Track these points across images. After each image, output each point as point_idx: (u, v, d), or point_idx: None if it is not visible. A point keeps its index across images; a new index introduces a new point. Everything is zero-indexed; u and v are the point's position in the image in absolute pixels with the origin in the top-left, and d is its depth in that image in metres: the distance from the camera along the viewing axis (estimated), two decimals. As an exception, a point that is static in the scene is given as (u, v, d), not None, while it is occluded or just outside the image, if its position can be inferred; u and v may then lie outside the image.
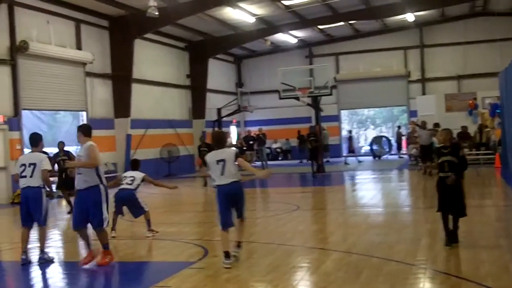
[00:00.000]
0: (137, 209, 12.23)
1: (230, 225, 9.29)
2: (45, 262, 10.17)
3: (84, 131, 10.08)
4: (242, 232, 9.62)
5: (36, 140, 10.58)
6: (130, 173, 12.45)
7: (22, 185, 10.27)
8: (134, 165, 12.86)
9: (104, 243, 9.84)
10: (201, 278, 8.53)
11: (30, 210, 10.26)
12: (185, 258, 10.03)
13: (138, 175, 12.34)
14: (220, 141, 9.64)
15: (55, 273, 9.75)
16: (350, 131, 36.44)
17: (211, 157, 9.39)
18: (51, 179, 11.16)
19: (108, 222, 9.86)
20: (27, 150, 21.40)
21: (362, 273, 8.33)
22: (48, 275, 9.60)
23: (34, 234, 10.72)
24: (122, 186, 12.17)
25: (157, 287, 8.22)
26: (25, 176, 10.20)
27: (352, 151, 35.00)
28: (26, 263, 10.22)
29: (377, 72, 37.82)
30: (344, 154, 35.51)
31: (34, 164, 10.16)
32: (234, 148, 9.98)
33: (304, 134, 36.01)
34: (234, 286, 8.03)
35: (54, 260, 10.33)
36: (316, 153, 25.69)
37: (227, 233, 9.23)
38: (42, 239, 10.39)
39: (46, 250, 10.45)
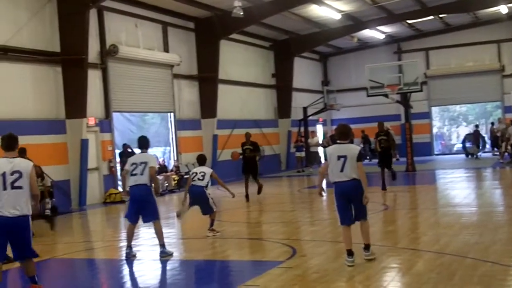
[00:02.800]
0: (206, 207, 12.31)
1: (349, 222, 8.98)
2: (166, 256, 10.39)
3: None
4: (366, 234, 9.06)
5: (144, 143, 10.99)
6: (200, 169, 12.50)
7: (132, 183, 10.56)
8: (202, 160, 12.89)
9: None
10: (289, 277, 8.41)
11: (139, 207, 10.55)
12: (273, 258, 9.97)
13: (208, 170, 12.45)
14: (343, 133, 9.17)
15: (146, 270, 9.85)
16: (477, 125, 34.95)
17: (333, 151, 9.03)
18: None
19: None
20: (118, 151, 22.13)
21: (455, 274, 8.02)
22: (140, 272, 9.74)
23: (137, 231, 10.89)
24: (193, 183, 12.26)
25: (245, 286, 8.17)
26: (135, 174, 10.50)
27: (477, 146, 33.47)
28: (130, 258, 10.51)
29: (469, 67, 36.62)
30: (469, 150, 33.99)
31: (146, 163, 10.49)
32: (357, 146, 9.58)
33: (367, 134, 35.17)
34: (323, 286, 7.86)
35: (173, 255, 10.54)
36: (387, 157, 19.51)
37: (347, 230, 8.96)
38: (160, 234, 10.56)
39: (166, 244, 10.62)
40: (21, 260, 7.83)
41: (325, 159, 9.07)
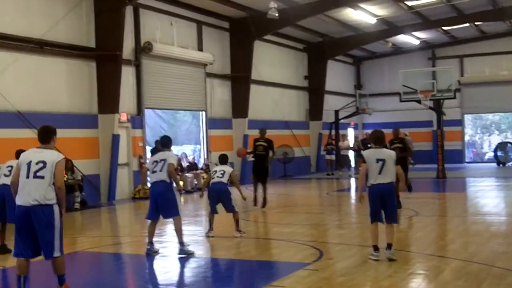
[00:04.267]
0: (228, 205, 12.33)
1: (380, 220, 9.48)
2: (185, 254, 10.39)
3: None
4: (391, 234, 9.49)
5: (166, 142, 11.13)
6: (220, 167, 12.61)
7: (152, 180, 10.62)
8: (223, 159, 13.06)
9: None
10: (315, 280, 8.39)
11: (158, 204, 10.56)
12: (300, 259, 9.96)
13: (228, 169, 12.53)
14: (379, 139, 9.72)
15: (171, 267, 9.92)
16: None
17: (371, 154, 9.50)
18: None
19: None
20: (149, 148, 22.27)
21: (483, 283, 7.94)
22: (165, 269, 9.80)
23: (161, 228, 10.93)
24: (214, 180, 12.35)
25: (271, 287, 8.17)
26: (155, 171, 10.57)
27: None
28: (151, 254, 10.56)
29: (504, 75, 36.23)
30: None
31: (165, 160, 10.55)
32: (393, 151, 9.96)
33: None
34: (349, 290, 7.85)
35: (194, 254, 10.50)
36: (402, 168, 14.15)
37: (376, 227, 9.50)
38: (179, 231, 10.55)
39: (185, 242, 10.61)
40: (47, 258, 7.65)
41: (364, 162, 9.47)
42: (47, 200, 7.48)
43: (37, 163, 7.51)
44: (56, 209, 7.56)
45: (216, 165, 13.36)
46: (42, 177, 7.46)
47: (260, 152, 16.74)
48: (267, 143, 16.89)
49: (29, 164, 7.54)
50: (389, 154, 9.56)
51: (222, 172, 12.39)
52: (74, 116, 19.37)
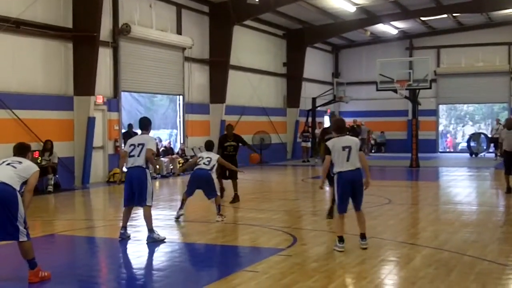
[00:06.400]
0: (211, 191, 12.38)
1: (346, 210, 9.51)
2: (153, 241, 10.26)
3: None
4: (364, 223, 9.58)
5: (146, 124, 10.87)
6: (206, 154, 12.69)
7: (129, 165, 10.46)
8: (209, 146, 13.17)
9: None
10: (289, 265, 8.48)
11: (134, 189, 10.37)
12: (274, 245, 10.02)
13: (214, 156, 12.62)
14: (340, 128, 9.70)
15: (146, 251, 9.92)
16: None
17: (336, 143, 9.45)
18: None
19: None
20: (124, 131, 22.13)
21: (452, 270, 8.08)
22: (139, 253, 9.81)
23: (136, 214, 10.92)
24: (199, 166, 12.40)
25: (246, 271, 8.23)
26: (133, 156, 10.36)
27: None
28: (124, 238, 10.53)
29: (479, 67, 36.64)
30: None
31: (143, 144, 10.34)
32: (356, 138, 10.00)
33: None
34: (322, 276, 7.92)
35: (165, 240, 10.39)
36: None
37: (343, 218, 9.51)
38: (149, 219, 10.42)
39: (155, 229, 10.50)
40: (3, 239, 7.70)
41: (327, 153, 9.47)
42: (12, 183, 7.51)
43: (13, 161, 7.74)
44: (19, 196, 7.57)
45: (199, 149, 13.32)
46: (15, 167, 7.63)
47: (230, 153, 15.21)
48: (236, 141, 15.63)
49: (4, 161, 7.76)
50: (353, 140, 9.62)
51: (208, 159, 12.42)
52: (49, 97, 19.18)
